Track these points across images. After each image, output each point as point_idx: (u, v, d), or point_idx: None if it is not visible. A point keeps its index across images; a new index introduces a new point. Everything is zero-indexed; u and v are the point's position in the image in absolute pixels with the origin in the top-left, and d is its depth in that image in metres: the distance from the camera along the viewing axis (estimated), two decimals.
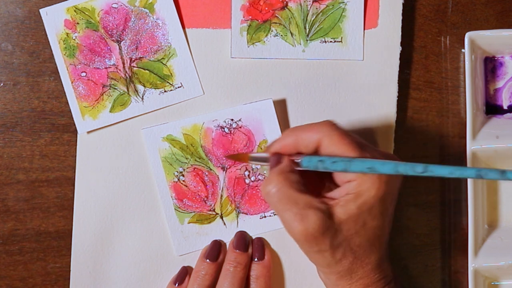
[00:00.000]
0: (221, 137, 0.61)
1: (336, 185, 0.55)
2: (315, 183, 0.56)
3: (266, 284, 0.60)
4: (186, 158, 0.61)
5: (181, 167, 0.61)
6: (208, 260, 0.60)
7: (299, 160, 0.54)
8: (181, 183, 0.61)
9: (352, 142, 0.52)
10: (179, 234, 0.62)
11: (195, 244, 0.62)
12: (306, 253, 0.53)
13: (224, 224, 0.62)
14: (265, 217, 0.62)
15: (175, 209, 0.61)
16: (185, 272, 0.61)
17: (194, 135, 0.61)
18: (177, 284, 0.61)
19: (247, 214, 0.62)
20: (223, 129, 0.61)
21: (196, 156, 0.61)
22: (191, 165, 0.61)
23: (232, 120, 0.61)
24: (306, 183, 0.53)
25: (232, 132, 0.61)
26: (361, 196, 0.52)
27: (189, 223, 0.62)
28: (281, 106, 0.62)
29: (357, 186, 0.52)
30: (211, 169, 0.62)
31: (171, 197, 0.61)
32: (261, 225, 0.62)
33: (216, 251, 0.61)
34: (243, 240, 0.61)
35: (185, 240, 0.62)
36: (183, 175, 0.61)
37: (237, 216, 0.62)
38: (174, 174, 0.61)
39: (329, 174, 0.55)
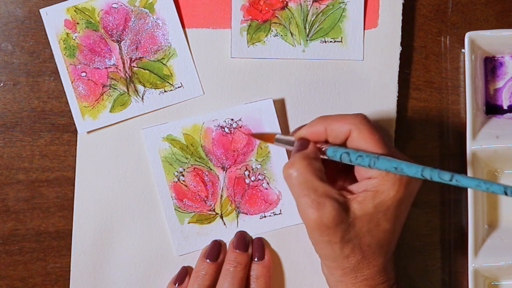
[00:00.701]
0: (221, 137, 0.61)
1: (353, 180, 0.55)
2: (332, 174, 0.56)
3: (266, 284, 0.60)
4: (186, 158, 0.61)
5: (181, 167, 0.61)
6: (208, 260, 0.60)
7: (325, 149, 0.53)
8: (181, 183, 0.61)
9: (381, 139, 0.53)
10: (179, 234, 0.61)
11: (195, 244, 0.62)
12: (315, 242, 0.53)
13: (224, 224, 0.62)
14: (265, 217, 0.62)
15: (175, 209, 0.61)
16: (185, 272, 0.61)
17: (194, 135, 0.61)
18: (177, 284, 0.61)
19: (247, 214, 0.62)
20: (223, 129, 0.61)
21: (196, 156, 0.61)
22: (191, 165, 0.61)
23: (232, 120, 0.61)
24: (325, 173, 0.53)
25: (232, 132, 0.61)
26: (380, 195, 0.51)
27: (189, 223, 0.62)
28: (281, 106, 0.62)
29: (377, 185, 0.52)
30: (211, 169, 0.62)
31: (171, 197, 0.61)
32: (261, 225, 0.62)
33: (216, 251, 0.61)
34: (243, 240, 0.61)
35: (185, 240, 0.62)
36: (183, 175, 0.61)
37: (237, 216, 0.62)
38: (174, 174, 0.61)
39: (348, 167, 0.54)
